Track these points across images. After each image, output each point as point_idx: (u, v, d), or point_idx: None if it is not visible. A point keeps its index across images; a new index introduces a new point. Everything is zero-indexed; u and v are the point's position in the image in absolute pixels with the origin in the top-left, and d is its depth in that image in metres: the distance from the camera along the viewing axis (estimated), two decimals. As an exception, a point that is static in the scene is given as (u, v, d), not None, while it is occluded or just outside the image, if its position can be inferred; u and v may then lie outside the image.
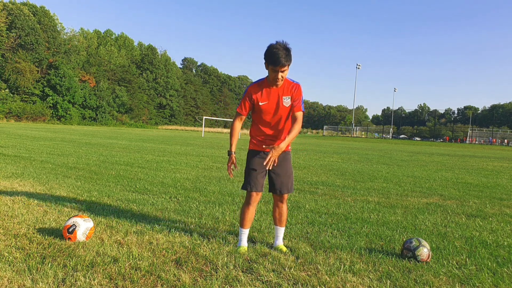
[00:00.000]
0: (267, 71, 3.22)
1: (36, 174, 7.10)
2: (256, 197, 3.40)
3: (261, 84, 3.31)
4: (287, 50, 3.09)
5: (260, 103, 3.27)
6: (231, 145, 3.37)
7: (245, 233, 3.43)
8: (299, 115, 3.28)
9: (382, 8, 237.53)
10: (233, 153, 3.39)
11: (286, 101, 3.28)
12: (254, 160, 3.38)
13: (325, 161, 13.88)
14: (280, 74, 3.14)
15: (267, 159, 3.13)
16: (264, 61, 3.18)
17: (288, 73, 3.25)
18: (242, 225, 3.43)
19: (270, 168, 3.24)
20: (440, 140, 74.98)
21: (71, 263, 2.84)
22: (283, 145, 3.15)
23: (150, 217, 4.37)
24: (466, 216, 5.30)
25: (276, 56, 3.06)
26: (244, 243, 3.42)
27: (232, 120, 3.52)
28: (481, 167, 14.62)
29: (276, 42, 3.11)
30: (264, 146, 3.33)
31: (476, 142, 66.54)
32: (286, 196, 3.47)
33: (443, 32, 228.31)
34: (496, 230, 4.53)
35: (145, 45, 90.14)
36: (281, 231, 3.51)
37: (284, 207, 3.50)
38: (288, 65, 3.13)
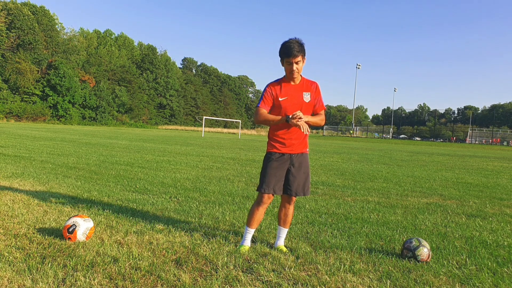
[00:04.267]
0: (283, 68, 3.28)
1: (36, 174, 7.10)
2: (268, 199, 3.40)
3: (280, 81, 3.36)
4: (300, 44, 3.18)
5: (280, 99, 3.28)
6: (277, 118, 3.22)
7: (250, 232, 3.43)
8: (323, 113, 3.44)
9: (382, 9, 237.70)
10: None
11: (306, 97, 3.33)
12: (273, 163, 3.35)
13: (325, 161, 13.88)
14: (294, 66, 3.19)
15: (303, 124, 3.11)
16: (280, 58, 3.25)
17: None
18: (249, 224, 3.43)
19: (304, 131, 3.14)
20: (440, 140, 74.94)
21: (71, 263, 2.84)
22: (307, 118, 3.19)
23: (150, 217, 4.37)
24: (466, 216, 5.30)
25: (289, 48, 3.14)
26: (247, 242, 3.42)
27: (255, 116, 3.39)
28: (481, 167, 14.62)
29: (289, 38, 3.21)
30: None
31: (477, 142, 66.49)
32: (295, 198, 3.47)
33: (443, 32, 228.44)
34: (496, 230, 4.53)
35: (145, 45, 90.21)
36: (284, 232, 3.50)
37: (291, 209, 3.50)
38: (302, 56, 3.20)
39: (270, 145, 3.42)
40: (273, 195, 3.38)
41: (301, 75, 3.34)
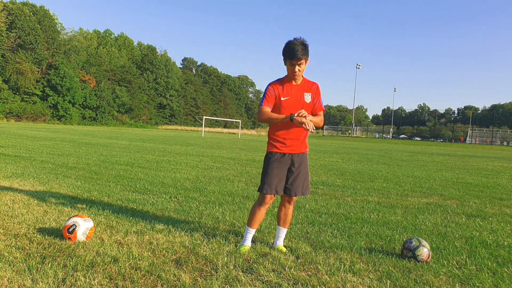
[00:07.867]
0: (286, 67, 3.30)
1: (36, 174, 7.10)
2: (270, 200, 3.40)
3: (282, 81, 3.37)
4: (304, 45, 3.18)
5: (282, 98, 3.30)
6: (281, 117, 3.21)
7: (251, 232, 3.44)
8: (322, 113, 3.43)
9: (382, 8, 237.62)
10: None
11: (307, 98, 3.35)
12: (274, 163, 3.35)
13: (325, 161, 13.88)
14: (297, 68, 3.21)
15: (307, 123, 3.11)
16: (282, 57, 3.27)
17: None
18: (250, 224, 3.43)
19: (309, 128, 3.14)
20: (440, 140, 74.93)
21: (71, 263, 2.84)
22: (311, 117, 3.22)
23: (150, 217, 4.37)
24: (466, 216, 5.30)
25: (293, 50, 3.15)
26: (248, 242, 3.43)
27: (258, 115, 3.35)
28: (481, 167, 14.62)
29: (294, 38, 3.21)
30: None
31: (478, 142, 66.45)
32: (295, 198, 3.47)
33: (443, 32, 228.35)
34: (496, 230, 4.54)
35: (145, 45, 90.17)
36: (283, 232, 3.51)
37: (291, 209, 3.50)
38: (305, 59, 3.21)
39: (270, 145, 3.41)
40: (275, 195, 3.38)
41: (302, 76, 3.35)
